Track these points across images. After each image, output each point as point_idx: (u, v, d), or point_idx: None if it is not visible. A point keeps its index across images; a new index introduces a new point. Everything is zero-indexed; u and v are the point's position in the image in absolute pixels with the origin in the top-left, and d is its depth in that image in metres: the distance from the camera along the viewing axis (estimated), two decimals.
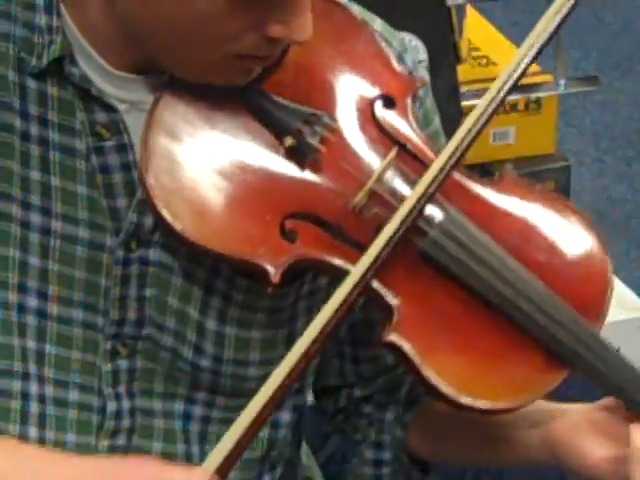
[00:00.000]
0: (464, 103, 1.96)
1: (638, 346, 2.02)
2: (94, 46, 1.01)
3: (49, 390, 1.07)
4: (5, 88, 1.03)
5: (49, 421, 1.08)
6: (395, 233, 0.98)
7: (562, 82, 2.16)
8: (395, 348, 0.99)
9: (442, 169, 0.99)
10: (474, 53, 2.21)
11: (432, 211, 1.01)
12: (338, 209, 1.00)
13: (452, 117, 1.69)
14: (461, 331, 1.02)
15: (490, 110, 1.00)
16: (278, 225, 0.99)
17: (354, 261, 0.97)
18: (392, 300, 1.00)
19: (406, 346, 0.98)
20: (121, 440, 1.10)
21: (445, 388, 0.98)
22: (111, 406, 1.09)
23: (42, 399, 1.07)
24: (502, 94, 1.01)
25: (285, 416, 1.15)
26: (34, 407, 1.07)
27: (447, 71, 1.91)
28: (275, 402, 0.96)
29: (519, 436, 1.10)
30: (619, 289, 2.12)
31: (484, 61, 2.21)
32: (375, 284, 0.99)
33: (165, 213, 0.98)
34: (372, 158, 1.02)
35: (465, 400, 0.99)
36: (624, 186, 3.02)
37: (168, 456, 1.10)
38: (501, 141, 2.13)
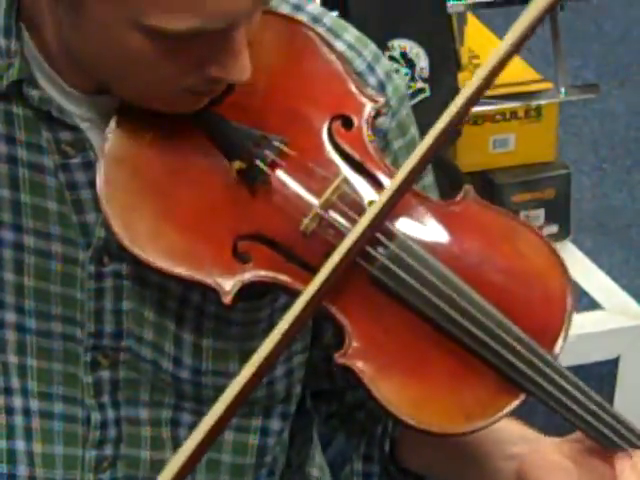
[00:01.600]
0: None
1: (637, 352, 2.02)
2: (53, 67, 1.02)
3: (33, 403, 1.09)
4: None
5: (35, 434, 1.09)
6: (343, 259, 0.97)
7: (562, 90, 2.14)
8: (347, 369, 0.98)
9: (392, 196, 0.98)
10: (474, 61, 2.20)
11: (381, 237, 1.00)
12: (289, 232, 1.00)
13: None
14: (412, 354, 1.01)
15: (452, 123, 0.99)
16: (231, 246, 0.99)
17: (306, 282, 0.97)
18: (344, 321, 0.99)
19: (357, 368, 0.98)
20: (108, 450, 1.10)
21: (394, 410, 0.98)
22: (95, 416, 1.09)
23: (27, 412, 1.09)
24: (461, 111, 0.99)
25: (275, 423, 1.15)
26: (19, 420, 1.09)
27: (448, 78, 1.89)
28: (221, 426, 0.97)
29: (495, 463, 1.10)
30: (620, 297, 2.12)
31: None
32: (327, 305, 0.98)
33: (119, 234, 0.98)
34: (321, 182, 1.01)
35: (413, 422, 0.98)
36: (624, 194, 3.03)
37: (157, 463, 1.10)
38: (501, 148, 2.12)
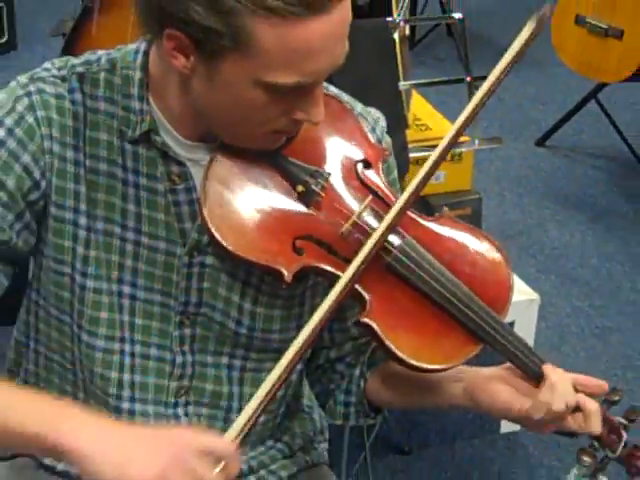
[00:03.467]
0: (411, 155, 2.01)
1: (526, 319, 2.05)
2: (170, 123, 1.04)
3: (137, 348, 1.10)
4: (111, 150, 1.05)
5: (137, 369, 1.10)
6: (370, 252, 1.01)
7: (476, 141, 2.19)
8: (367, 326, 1.02)
9: (400, 210, 1.02)
10: (417, 122, 2.24)
11: (394, 238, 1.03)
12: (332, 234, 1.03)
13: (402, 165, 1.72)
14: (412, 317, 1.04)
15: (430, 172, 1.04)
16: (291, 243, 1.01)
17: (342, 270, 1.01)
18: (366, 295, 1.02)
19: (374, 325, 1.02)
20: (185, 382, 1.11)
21: (400, 354, 1.02)
22: (178, 359, 1.11)
23: (132, 354, 1.10)
24: (437, 162, 1.05)
25: (298, 367, 1.15)
26: (127, 360, 1.10)
27: (399, 134, 1.93)
28: (291, 369, 0.98)
29: (448, 387, 1.10)
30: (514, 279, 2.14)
31: (423, 127, 2.24)
32: (356, 285, 1.01)
33: (215, 233, 1.01)
34: (355, 201, 1.05)
35: (413, 362, 1.02)
36: (517, 212, 3.05)
37: (216, 393, 1.13)
38: (436, 181, 2.16)
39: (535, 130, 3.47)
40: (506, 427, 2.15)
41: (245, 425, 0.94)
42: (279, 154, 1.03)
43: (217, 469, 0.90)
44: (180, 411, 1.12)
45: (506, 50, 1.05)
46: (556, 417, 1.03)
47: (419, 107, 2.33)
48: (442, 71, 3.02)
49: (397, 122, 1.94)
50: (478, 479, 2.07)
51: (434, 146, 2.33)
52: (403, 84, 2.03)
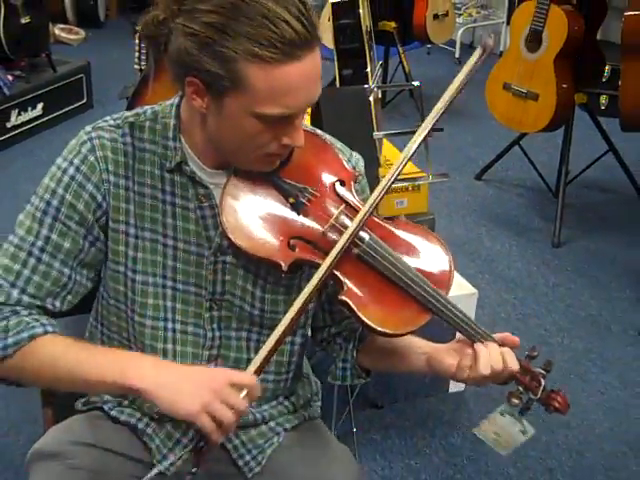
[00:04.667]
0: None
1: (467, 308, 2.05)
2: (196, 156, 1.05)
3: (177, 326, 1.09)
4: (154, 178, 1.05)
5: (178, 340, 1.10)
6: (343, 246, 1.00)
7: (430, 176, 2.19)
8: (345, 303, 1.01)
9: (365, 214, 1.01)
10: (386, 162, 2.24)
11: (363, 235, 1.02)
12: (316, 234, 1.02)
13: None
14: (378, 294, 1.02)
15: (384, 191, 1.03)
16: (286, 242, 1.01)
17: (324, 260, 1.00)
18: (343, 279, 1.01)
19: (350, 302, 1.01)
20: (214, 351, 1.11)
21: (370, 323, 1.01)
22: (209, 334, 1.10)
23: (174, 330, 1.10)
24: (391, 182, 1.04)
25: (298, 339, 1.16)
26: (170, 334, 1.09)
27: (373, 171, 1.93)
28: (290, 329, 1.00)
29: (415, 356, 1.09)
30: (459, 279, 2.14)
31: (392, 165, 2.24)
32: (335, 271, 1.01)
33: (230, 236, 1.02)
34: (332, 209, 1.04)
35: (380, 329, 1.01)
36: (461, 228, 3.05)
37: (238, 359, 1.12)
38: (400, 206, 2.17)
39: (474, 167, 3.48)
40: (454, 387, 2.13)
41: (261, 364, 0.97)
42: (276, 175, 1.03)
43: (242, 394, 0.94)
44: None
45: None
46: (484, 378, 1.01)
47: (388, 151, 2.34)
48: (406, 124, 3.02)
49: (372, 162, 1.94)
50: (432, 427, 2.06)
51: (400, 180, 2.34)
52: (376, 134, 2.03)
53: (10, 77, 3.50)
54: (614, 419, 2.11)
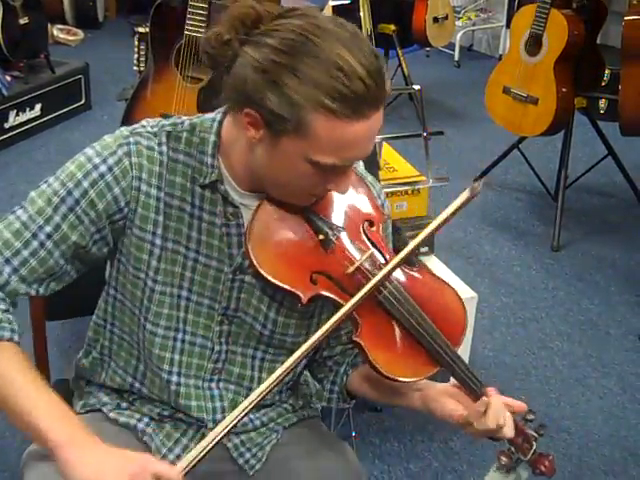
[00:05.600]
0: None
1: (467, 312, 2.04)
2: (231, 177, 1.04)
3: (187, 337, 1.09)
4: (184, 191, 1.04)
5: (185, 351, 1.10)
6: (368, 291, 1.00)
7: (430, 180, 2.20)
8: (358, 344, 1.02)
9: (394, 266, 1.01)
10: (386, 165, 2.25)
11: (386, 282, 1.02)
12: (340, 273, 1.02)
13: None
14: (390, 340, 1.03)
15: (419, 244, 1.01)
16: (309, 275, 1.01)
17: (344, 299, 1.01)
18: (360, 320, 1.01)
19: (363, 344, 1.01)
20: (219, 365, 1.11)
21: (379, 367, 1.01)
22: (216, 347, 1.11)
23: (183, 341, 1.10)
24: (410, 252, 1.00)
25: (303, 362, 1.17)
26: (179, 344, 1.10)
27: (373, 174, 1.91)
28: (296, 365, 0.98)
29: (409, 394, 1.09)
30: (456, 281, 2.15)
31: (391, 169, 2.25)
32: (354, 313, 1.01)
33: (254, 261, 1.01)
34: (359, 251, 1.03)
35: (388, 375, 1.02)
36: (461, 232, 3.06)
37: (242, 375, 1.12)
38: (399, 209, 2.17)
39: (474, 171, 3.43)
40: None
41: (194, 461, 0.91)
42: (309, 209, 1.03)
43: None
44: (213, 385, 1.11)
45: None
46: (488, 431, 1.00)
47: (388, 154, 2.35)
48: (405, 128, 2.99)
49: (372, 165, 1.95)
50: (431, 432, 2.06)
51: (400, 183, 2.36)
52: (376, 137, 2.07)
53: (8, 78, 3.50)
54: (614, 424, 2.12)
